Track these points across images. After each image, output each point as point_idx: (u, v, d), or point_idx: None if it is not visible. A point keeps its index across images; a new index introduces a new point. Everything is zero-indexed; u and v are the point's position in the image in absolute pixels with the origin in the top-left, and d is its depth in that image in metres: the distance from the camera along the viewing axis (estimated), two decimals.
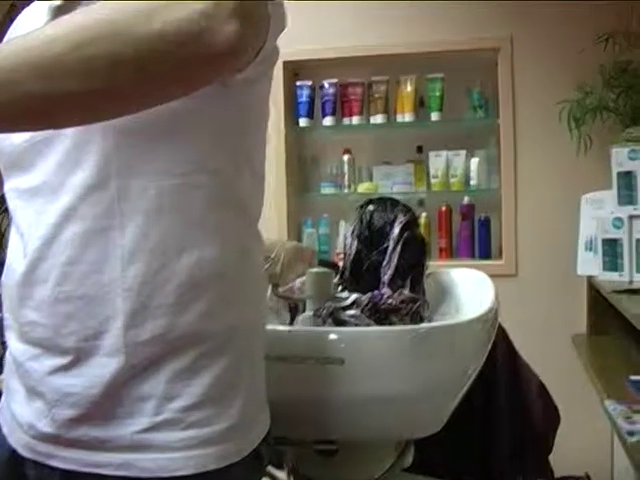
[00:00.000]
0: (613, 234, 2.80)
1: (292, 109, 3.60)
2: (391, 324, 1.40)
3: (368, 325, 1.38)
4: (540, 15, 3.25)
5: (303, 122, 3.58)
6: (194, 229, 0.97)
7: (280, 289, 1.73)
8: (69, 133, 0.93)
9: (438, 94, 3.41)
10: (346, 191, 3.55)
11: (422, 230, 3.44)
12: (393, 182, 3.53)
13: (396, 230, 1.83)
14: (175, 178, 0.95)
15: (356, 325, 1.39)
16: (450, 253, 3.48)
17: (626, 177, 2.76)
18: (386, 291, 1.47)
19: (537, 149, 3.30)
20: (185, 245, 0.96)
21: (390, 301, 1.42)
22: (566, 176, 3.26)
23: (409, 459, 1.57)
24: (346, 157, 3.55)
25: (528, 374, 2.04)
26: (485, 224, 3.42)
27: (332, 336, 1.36)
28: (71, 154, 0.94)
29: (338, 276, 1.87)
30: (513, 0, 3.25)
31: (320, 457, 1.50)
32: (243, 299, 1.04)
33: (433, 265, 3.27)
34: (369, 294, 1.45)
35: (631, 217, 2.72)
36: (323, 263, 1.84)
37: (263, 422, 1.09)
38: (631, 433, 1.94)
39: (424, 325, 1.40)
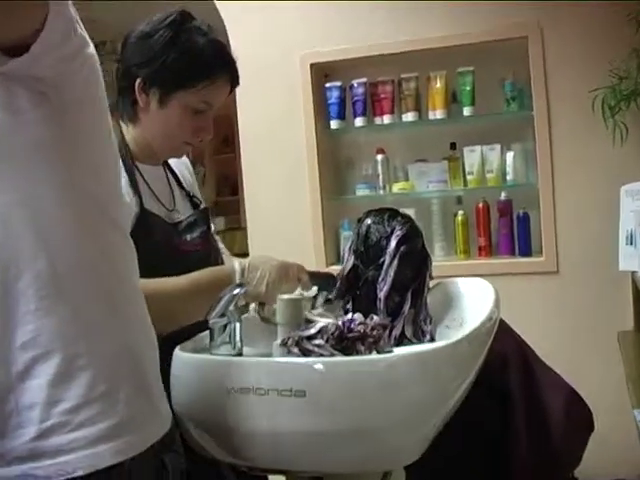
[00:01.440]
0: None
1: (323, 111, 3.55)
2: (357, 353, 1.35)
3: (332, 355, 1.33)
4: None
5: (335, 124, 3.53)
6: (48, 239, 1.02)
7: (266, 309, 1.70)
8: None
9: (469, 88, 3.30)
10: (382, 192, 3.49)
11: (460, 228, 3.38)
12: (428, 180, 3.45)
13: (392, 244, 1.76)
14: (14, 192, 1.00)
15: (320, 355, 1.33)
16: (490, 251, 3.38)
17: None
18: (357, 317, 1.41)
19: (573, 140, 3.17)
20: (38, 252, 1.01)
21: (359, 328, 1.36)
22: (604, 167, 3.12)
23: None
24: (380, 157, 3.49)
25: (551, 389, 1.91)
26: (524, 220, 3.30)
27: (292, 368, 1.32)
28: None
29: (335, 290, 1.82)
30: None
31: None
32: (110, 305, 1.08)
33: (473, 264, 3.25)
34: (335, 321, 1.39)
35: None
36: (315, 275, 1.79)
37: (158, 423, 1.13)
38: None
39: (384, 356, 1.34)
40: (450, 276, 1.95)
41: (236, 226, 6.94)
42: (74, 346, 1.02)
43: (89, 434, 1.01)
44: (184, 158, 1.86)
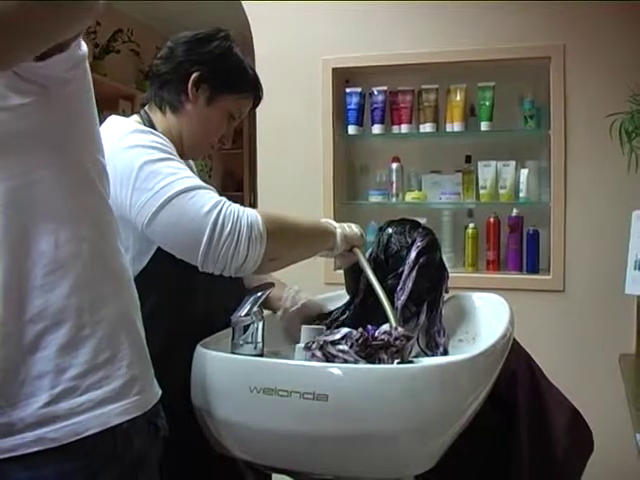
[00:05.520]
0: None
1: (341, 116, 3.58)
2: (380, 361, 1.38)
3: (356, 361, 1.36)
4: (593, 23, 3.15)
5: (352, 130, 3.56)
6: (48, 219, 1.09)
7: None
8: None
9: (488, 103, 3.34)
10: (394, 200, 3.52)
11: (470, 241, 3.41)
12: (441, 191, 3.48)
13: (412, 255, 1.80)
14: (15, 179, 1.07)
15: (344, 361, 1.37)
16: (497, 266, 3.41)
17: None
18: (385, 327, 1.44)
19: (588, 162, 3.21)
20: (41, 232, 1.09)
21: (383, 336, 1.39)
22: (617, 190, 3.15)
23: None
24: (395, 165, 3.52)
25: (555, 406, 1.94)
26: (534, 237, 3.33)
27: (316, 371, 1.36)
28: None
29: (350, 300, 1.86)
30: (566, 8, 3.17)
31: None
32: (105, 275, 1.17)
33: (480, 277, 3.28)
34: (361, 329, 1.42)
35: None
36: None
37: (153, 389, 1.23)
38: None
39: (406, 366, 1.37)
40: (457, 288, 1.98)
41: None
42: (79, 317, 1.10)
43: (96, 397, 1.10)
44: None
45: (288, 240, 1.54)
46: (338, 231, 1.70)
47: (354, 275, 1.84)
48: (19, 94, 1.04)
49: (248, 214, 1.43)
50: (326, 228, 1.70)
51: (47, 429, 1.06)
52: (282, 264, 1.57)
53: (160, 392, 1.25)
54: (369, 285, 1.72)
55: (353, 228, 1.77)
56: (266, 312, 1.88)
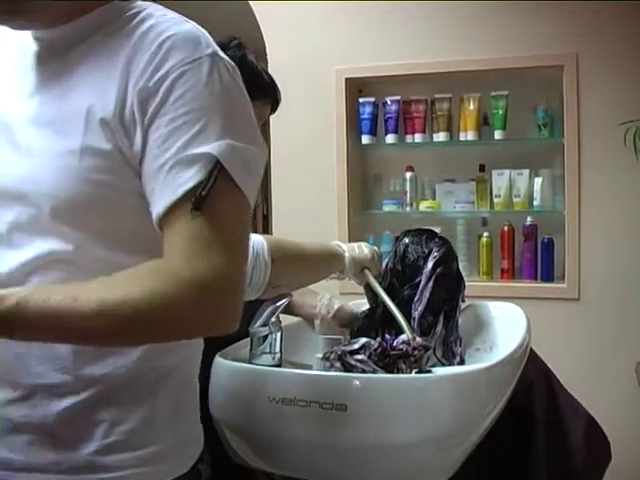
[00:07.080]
0: None
1: (355, 126, 3.60)
2: (399, 370, 1.38)
3: (374, 371, 1.36)
4: (606, 31, 3.15)
5: (366, 139, 3.58)
6: None
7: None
8: None
9: (502, 112, 3.35)
10: (408, 209, 3.53)
11: (484, 250, 3.41)
12: (455, 200, 3.49)
13: (429, 265, 1.79)
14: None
15: (362, 371, 1.37)
16: (512, 274, 3.41)
17: None
18: (403, 337, 1.45)
19: (602, 169, 3.21)
20: None
21: (401, 347, 1.39)
22: (631, 197, 3.15)
23: None
24: (409, 174, 3.53)
25: (572, 415, 1.93)
26: (548, 245, 3.34)
27: (335, 381, 1.36)
28: None
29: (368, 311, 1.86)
30: (578, 16, 3.17)
31: None
32: (176, 344, 1.12)
33: (495, 286, 3.28)
34: (379, 339, 1.43)
35: None
36: None
37: (198, 442, 1.18)
38: None
39: (424, 375, 1.37)
40: (471, 297, 1.97)
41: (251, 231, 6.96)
42: (144, 378, 1.07)
43: (146, 454, 1.06)
44: None
45: (293, 268, 1.54)
46: (346, 255, 1.69)
47: (371, 291, 1.84)
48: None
49: (254, 242, 1.43)
50: (335, 252, 1.68)
51: (91, 476, 1.04)
52: (286, 290, 1.57)
53: (202, 442, 1.20)
54: (388, 287, 1.73)
55: (364, 249, 1.74)
56: (294, 319, 1.90)
